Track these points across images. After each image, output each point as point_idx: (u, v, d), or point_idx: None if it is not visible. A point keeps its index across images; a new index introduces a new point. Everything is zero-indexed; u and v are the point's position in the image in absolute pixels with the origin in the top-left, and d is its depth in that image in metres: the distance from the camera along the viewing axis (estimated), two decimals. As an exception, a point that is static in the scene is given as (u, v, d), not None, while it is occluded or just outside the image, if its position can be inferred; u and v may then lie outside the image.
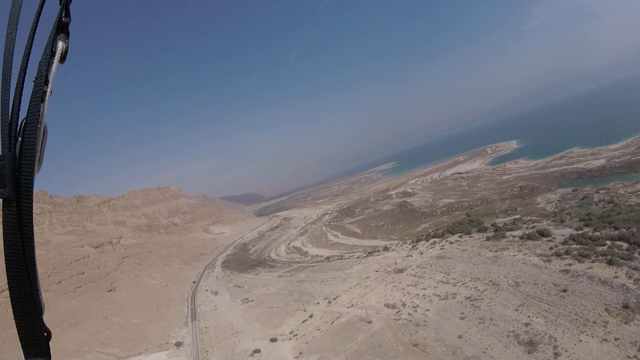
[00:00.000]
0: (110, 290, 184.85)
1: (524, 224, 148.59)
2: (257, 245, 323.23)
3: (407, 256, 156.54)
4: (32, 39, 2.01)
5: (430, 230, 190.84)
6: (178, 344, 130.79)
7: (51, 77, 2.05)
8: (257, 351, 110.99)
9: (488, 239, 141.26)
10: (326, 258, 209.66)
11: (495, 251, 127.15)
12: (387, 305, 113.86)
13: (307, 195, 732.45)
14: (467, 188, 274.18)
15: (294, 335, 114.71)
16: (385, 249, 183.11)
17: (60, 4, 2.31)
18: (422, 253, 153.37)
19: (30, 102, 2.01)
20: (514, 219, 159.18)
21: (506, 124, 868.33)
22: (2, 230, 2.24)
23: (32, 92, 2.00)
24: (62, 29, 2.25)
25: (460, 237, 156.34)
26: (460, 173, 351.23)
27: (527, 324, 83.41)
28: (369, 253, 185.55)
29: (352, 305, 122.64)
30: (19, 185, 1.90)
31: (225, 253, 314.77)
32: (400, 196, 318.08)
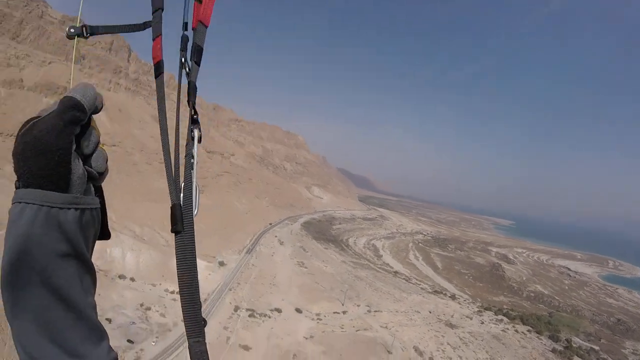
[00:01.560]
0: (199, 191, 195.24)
1: (597, 359, 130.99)
2: (343, 225, 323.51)
3: (467, 316, 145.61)
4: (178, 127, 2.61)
5: (505, 307, 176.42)
6: (221, 264, 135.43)
7: (195, 152, 2.60)
8: (278, 310, 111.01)
9: (554, 351, 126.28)
10: (395, 272, 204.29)
11: None
12: (416, 349, 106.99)
13: (414, 207, 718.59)
14: (566, 288, 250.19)
15: (318, 319, 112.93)
16: (452, 297, 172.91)
17: (189, 105, 2.89)
18: (482, 322, 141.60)
19: (185, 171, 2.48)
20: (591, 347, 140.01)
21: None
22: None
23: (185, 164, 2.51)
24: (194, 122, 2.83)
25: (528, 331, 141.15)
26: (569, 269, 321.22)
27: None
28: (435, 291, 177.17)
29: (386, 327, 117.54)
30: (183, 222, 2.32)
31: (312, 216, 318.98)
32: (498, 257, 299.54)
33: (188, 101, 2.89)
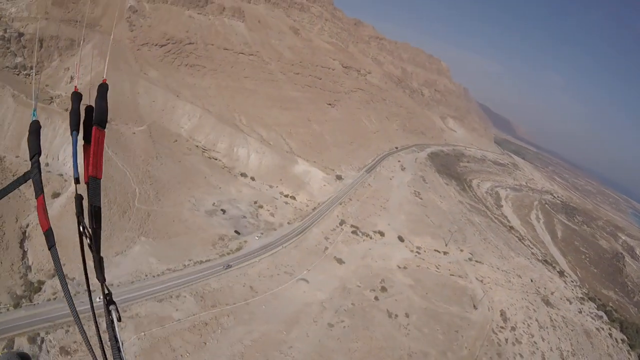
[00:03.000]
0: (330, 104, 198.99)
1: None
2: (471, 164, 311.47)
3: (567, 300, 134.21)
4: None
5: (610, 304, 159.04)
6: (339, 177, 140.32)
7: (119, 335, 2.70)
8: (381, 234, 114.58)
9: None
10: (510, 227, 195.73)
11: None
12: (502, 313, 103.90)
13: (552, 164, 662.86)
14: None
15: (417, 252, 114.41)
16: (560, 273, 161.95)
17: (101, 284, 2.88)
18: (580, 312, 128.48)
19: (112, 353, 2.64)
20: None
21: None
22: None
23: (111, 347, 2.65)
24: (110, 303, 2.88)
25: (622, 340, 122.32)
26: None
27: None
28: (545, 261, 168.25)
29: (481, 281, 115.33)
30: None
31: (441, 148, 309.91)
32: (625, 247, 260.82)
33: (97, 278, 2.74)
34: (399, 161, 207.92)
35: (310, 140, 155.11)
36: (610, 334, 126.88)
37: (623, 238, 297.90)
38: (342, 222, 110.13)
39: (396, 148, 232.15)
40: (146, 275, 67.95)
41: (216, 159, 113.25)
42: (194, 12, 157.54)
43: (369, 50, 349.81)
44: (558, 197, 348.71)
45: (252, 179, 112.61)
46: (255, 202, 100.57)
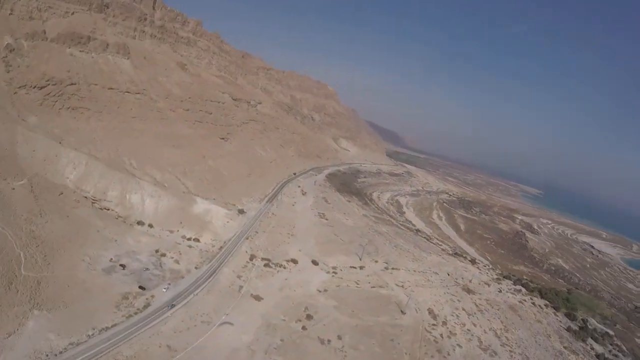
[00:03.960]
0: (223, 138, 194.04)
1: (611, 344, 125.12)
2: (369, 179, 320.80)
3: (485, 283, 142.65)
4: None
5: (524, 277, 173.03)
6: (241, 212, 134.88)
7: None
8: (294, 261, 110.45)
9: (569, 329, 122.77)
10: (416, 230, 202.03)
11: (565, 347, 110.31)
12: (430, 312, 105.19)
13: (442, 166, 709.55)
14: (588, 266, 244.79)
15: (334, 273, 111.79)
16: (472, 261, 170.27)
17: None
18: (500, 291, 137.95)
19: None
20: (607, 331, 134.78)
21: None
22: None
23: None
24: None
25: (545, 305, 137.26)
26: (592, 247, 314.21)
27: None
28: (455, 253, 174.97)
29: (402, 287, 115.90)
30: None
31: (337, 168, 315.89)
32: (522, 226, 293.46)
33: None
34: (299, 186, 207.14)
35: (207, 177, 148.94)
36: (533, 303, 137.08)
37: (519, 218, 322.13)
38: (252, 257, 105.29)
39: (294, 174, 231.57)
40: (47, 355, 58.17)
41: (108, 209, 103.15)
42: (75, 49, 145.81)
43: (258, 81, 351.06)
44: (453, 194, 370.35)
45: (150, 226, 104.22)
46: (157, 251, 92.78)
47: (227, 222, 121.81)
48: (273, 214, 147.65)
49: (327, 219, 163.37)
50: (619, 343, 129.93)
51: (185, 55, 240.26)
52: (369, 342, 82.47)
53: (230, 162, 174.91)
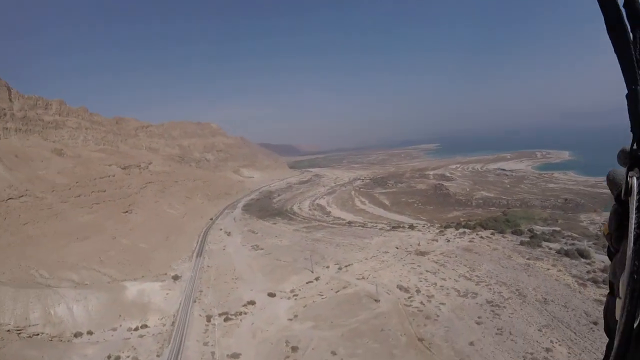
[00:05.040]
0: (127, 211, 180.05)
1: (562, 238, 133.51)
2: (283, 195, 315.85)
3: (433, 240, 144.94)
4: None
5: (462, 219, 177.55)
6: (176, 278, 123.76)
7: None
8: (252, 303, 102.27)
9: (522, 243, 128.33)
10: (348, 222, 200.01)
11: (528, 259, 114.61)
12: (400, 287, 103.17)
13: (343, 158, 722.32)
14: (508, 186, 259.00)
15: (294, 295, 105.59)
16: (411, 227, 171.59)
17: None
18: (448, 241, 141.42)
19: None
20: (553, 230, 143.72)
21: (565, 133, 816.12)
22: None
23: None
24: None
25: (492, 234, 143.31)
26: (504, 170, 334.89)
27: (548, 350, 71.07)
28: (393, 227, 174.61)
29: (363, 278, 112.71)
30: None
31: (250, 197, 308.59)
32: (437, 178, 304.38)
33: None
34: (221, 229, 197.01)
35: (126, 258, 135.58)
36: (481, 237, 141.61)
37: (431, 173, 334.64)
38: (209, 318, 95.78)
39: (211, 219, 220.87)
40: None
41: (38, 334, 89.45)
42: None
43: (140, 142, 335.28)
44: (365, 178, 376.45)
45: (90, 333, 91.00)
46: (109, 357, 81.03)
47: (167, 294, 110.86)
48: (208, 266, 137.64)
49: (262, 249, 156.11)
50: (568, 233, 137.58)
51: (58, 140, 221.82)
52: (363, 343, 77.74)
53: (143, 233, 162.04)
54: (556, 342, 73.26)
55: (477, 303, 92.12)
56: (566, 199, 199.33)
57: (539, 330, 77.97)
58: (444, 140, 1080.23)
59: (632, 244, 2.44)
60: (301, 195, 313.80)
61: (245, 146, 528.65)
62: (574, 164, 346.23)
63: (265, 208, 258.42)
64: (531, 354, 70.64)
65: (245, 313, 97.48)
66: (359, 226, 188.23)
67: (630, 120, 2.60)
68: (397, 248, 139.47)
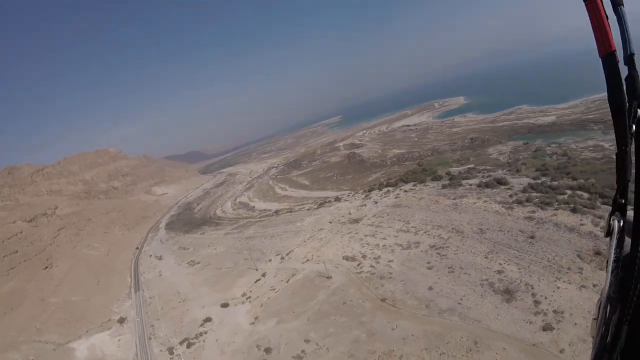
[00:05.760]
0: (47, 267, 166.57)
1: (479, 172, 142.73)
2: (202, 203, 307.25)
3: (361, 206, 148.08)
4: None
5: (382, 180, 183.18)
6: (121, 320, 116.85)
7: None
8: (208, 320, 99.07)
9: (444, 187, 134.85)
10: (275, 212, 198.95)
11: (454, 199, 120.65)
12: (346, 258, 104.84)
13: (252, 150, 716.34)
14: (416, 139, 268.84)
15: (247, 298, 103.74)
16: (337, 199, 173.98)
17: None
18: (376, 202, 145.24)
19: None
20: (468, 168, 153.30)
21: (455, 83, 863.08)
22: None
23: None
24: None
25: (414, 185, 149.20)
26: (408, 125, 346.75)
27: (499, 272, 76.14)
28: (320, 204, 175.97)
29: (308, 260, 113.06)
30: None
31: (169, 214, 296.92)
32: (348, 148, 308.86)
33: None
34: (151, 255, 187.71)
35: (62, 317, 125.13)
36: (405, 190, 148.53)
37: (340, 145, 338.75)
38: (171, 350, 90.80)
39: (137, 248, 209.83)
40: None
41: None
42: None
43: (39, 187, 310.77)
44: (279, 164, 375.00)
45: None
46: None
47: (119, 340, 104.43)
48: (150, 297, 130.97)
49: (199, 262, 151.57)
50: (483, 167, 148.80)
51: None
52: (331, 321, 78.60)
53: (71, 285, 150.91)
54: (504, 263, 78.40)
55: (422, 251, 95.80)
56: (472, 138, 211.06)
57: (485, 257, 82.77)
58: (346, 111, 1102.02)
59: (609, 275, 2.95)
60: (220, 197, 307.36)
61: (151, 163, 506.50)
62: (470, 107, 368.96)
63: (188, 221, 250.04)
64: (486, 279, 75.07)
65: (206, 332, 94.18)
66: (286, 212, 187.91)
67: (616, 175, 2.93)
68: (331, 222, 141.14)
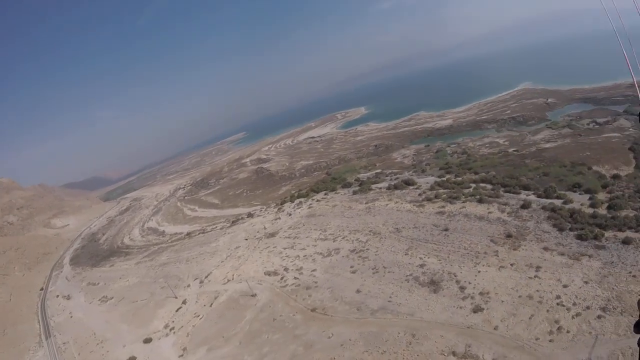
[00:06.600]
0: None
1: (386, 176, 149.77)
2: (108, 232, 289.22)
3: (275, 219, 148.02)
4: None
5: (293, 192, 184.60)
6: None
7: None
8: (133, 359, 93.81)
9: (355, 192, 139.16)
10: (187, 234, 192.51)
11: (366, 203, 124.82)
12: (268, 273, 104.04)
13: (156, 172, 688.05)
14: (322, 150, 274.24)
15: (171, 329, 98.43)
16: (250, 215, 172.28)
17: None
18: (290, 214, 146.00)
19: None
20: (375, 173, 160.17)
21: (353, 95, 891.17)
22: None
23: None
24: None
25: (325, 194, 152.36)
26: (313, 137, 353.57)
27: (421, 266, 79.85)
28: (233, 222, 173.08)
29: (229, 281, 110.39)
30: None
31: (73, 248, 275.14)
32: (255, 163, 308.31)
33: None
34: (57, 295, 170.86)
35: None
36: (317, 200, 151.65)
37: (247, 160, 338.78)
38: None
39: (41, 289, 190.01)
40: None
41: None
42: None
43: None
44: (186, 185, 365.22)
45: None
46: None
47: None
48: (64, 343, 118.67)
49: (112, 297, 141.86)
50: (389, 171, 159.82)
51: None
52: (264, 340, 77.22)
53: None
54: (425, 257, 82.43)
55: (343, 256, 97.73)
56: (376, 145, 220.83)
57: (405, 254, 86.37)
58: (249, 127, 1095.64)
59: None
60: (127, 225, 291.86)
61: (48, 193, 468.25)
62: (371, 116, 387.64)
63: (95, 253, 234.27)
64: (411, 274, 78.33)
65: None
66: (199, 234, 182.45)
67: None
68: (247, 239, 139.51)
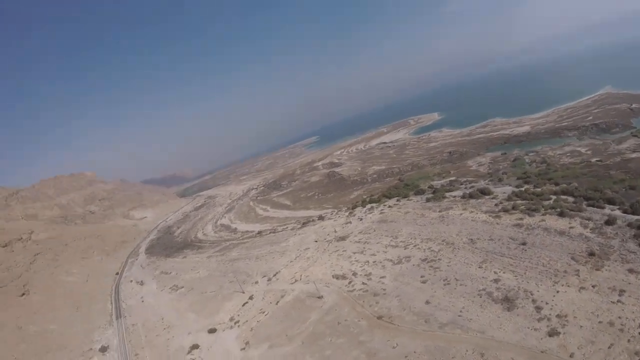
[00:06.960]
0: (23, 294, 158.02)
1: (461, 184, 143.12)
2: (183, 226, 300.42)
3: (346, 223, 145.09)
4: None
5: (364, 197, 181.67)
6: (103, 349, 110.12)
7: None
8: (196, 347, 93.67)
9: (428, 200, 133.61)
10: (258, 233, 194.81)
11: (440, 211, 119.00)
12: (336, 277, 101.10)
13: (230, 172, 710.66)
14: (395, 156, 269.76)
15: (236, 323, 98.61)
16: (321, 218, 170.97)
17: None
18: (361, 219, 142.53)
19: None
20: (449, 180, 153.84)
21: (427, 99, 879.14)
22: None
23: None
24: None
25: (398, 200, 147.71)
26: (385, 143, 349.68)
27: (496, 281, 73.78)
28: (304, 224, 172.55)
29: (297, 281, 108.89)
30: None
31: (149, 238, 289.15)
32: (327, 167, 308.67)
33: None
34: (132, 280, 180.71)
35: (41, 346, 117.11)
36: (389, 206, 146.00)
37: (319, 164, 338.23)
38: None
39: (117, 274, 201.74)
40: None
41: None
42: None
43: (14, 211, 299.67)
44: (258, 186, 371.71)
45: None
46: None
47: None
48: (133, 324, 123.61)
49: (182, 287, 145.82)
50: (464, 179, 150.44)
51: None
52: (327, 342, 74.34)
53: (49, 313, 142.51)
54: (500, 272, 76.14)
55: (414, 265, 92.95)
56: (450, 152, 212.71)
57: (479, 267, 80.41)
58: (321, 131, 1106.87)
59: None
60: (201, 220, 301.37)
61: (128, 188, 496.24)
62: (445, 122, 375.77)
63: (169, 245, 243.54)
64: (484, 289, 72.47)
65: None
66: (270, 233, 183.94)
67: None
68: (316, 241, 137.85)
